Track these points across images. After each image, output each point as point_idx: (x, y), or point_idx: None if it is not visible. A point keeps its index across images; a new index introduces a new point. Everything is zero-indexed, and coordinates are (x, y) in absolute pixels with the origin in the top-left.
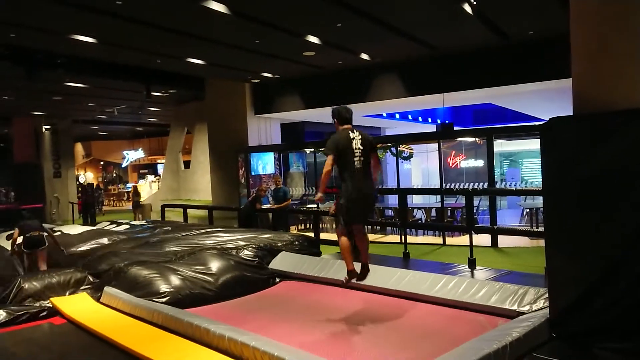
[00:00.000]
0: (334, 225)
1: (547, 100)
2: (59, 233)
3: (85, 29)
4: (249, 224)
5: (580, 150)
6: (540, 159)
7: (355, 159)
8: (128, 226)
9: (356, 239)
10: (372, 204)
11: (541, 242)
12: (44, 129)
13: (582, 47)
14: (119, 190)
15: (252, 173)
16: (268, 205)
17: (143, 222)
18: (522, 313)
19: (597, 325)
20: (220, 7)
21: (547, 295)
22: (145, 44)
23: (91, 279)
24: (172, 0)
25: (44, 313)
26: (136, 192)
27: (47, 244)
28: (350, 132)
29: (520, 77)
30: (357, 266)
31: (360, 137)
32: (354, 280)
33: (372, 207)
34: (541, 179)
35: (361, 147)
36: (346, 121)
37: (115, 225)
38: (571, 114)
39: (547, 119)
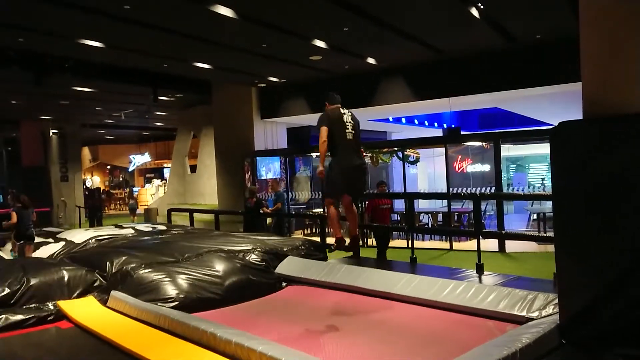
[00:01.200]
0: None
1: (555, 104)
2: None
3: (93, 34)
4: (255, 227)
5: (590, 155)
6: (547, 164)
7: (347, 131)
8: (133, 230)
9: (345, 210)
10: (363, 175)
11: (549, 247)
12: (51, 133)
13: (593, 50)
14: (125, 195)
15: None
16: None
17: (148, 226)
18: (532, 319)
19: (608, 331)
20: (227, 12)
21: (556, 300)
22: (152, 48)
23: (100, 280)
24: (180, 5)
25: (51, 317)
26: (131, 196)
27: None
28: (340, 109)
29: (527, 81)
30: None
31: (349, 113)
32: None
33: (363, 179)
34: (549, 184)
35: (351, 122)
36: (336, 101)
37: (118, 228)
38: (580, 117)
39: (555, 124)
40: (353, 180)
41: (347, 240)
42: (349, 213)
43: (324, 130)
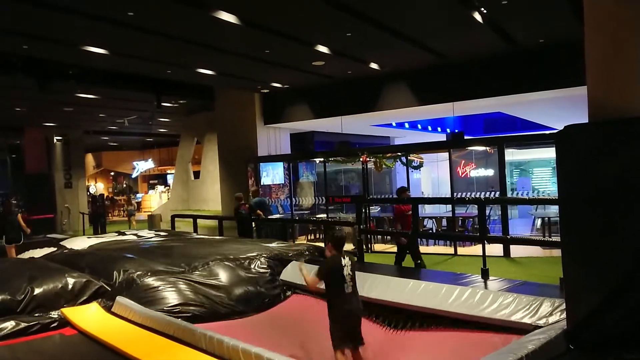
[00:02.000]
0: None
1: (558, 108)
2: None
3: (96, 40)
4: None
5: (596, 158)
6: (550, 168)
7: (346, 284)
8: (135, 237)
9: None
10: (360, 323)
11: (554, 252)
12: (55, 140)
13: (597, 53)
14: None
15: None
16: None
17: (151, 233)
18: (538, 326)
19: (616, 337)
20: (230, 18)
21: (563, 306)
22: (156, 54)
23: (105, 288)
24: (183, 11)
25: (55, 324)
26: (129, 202)
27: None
28: (342, 258)
29: (530, 85)
30: None
31: (350, 263)
32: None
33: (359, 326)
34: (553, 188)
35: (350, 273)
36: (340, 247)
37: (121, 235)
38: (584, 121)
39: (559, 128)
40: (352, 328)
41: None
42: None
43: (316, 280)
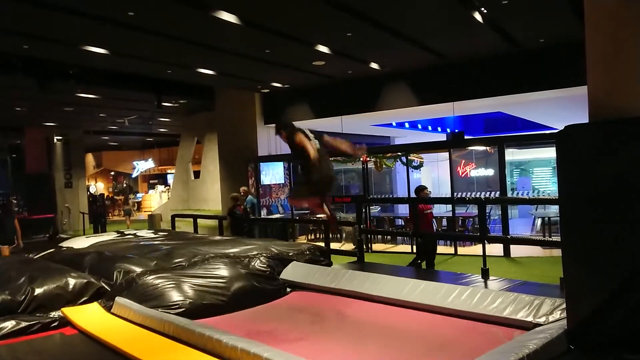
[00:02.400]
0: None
1: (559, 108)
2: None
3: (97, 40)
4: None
5: (597, 158)
6: (551, 168)
7: (312, 140)
8: (134, 237)
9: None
10: (331, 182)
11: (554, 252)
12: (55, 140)
13: (598, 53)
14: (129, 201)
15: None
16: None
17: (151, 233)
18: (539, 324)
19: (617, 337)
20: (230, 17)
21: (563, 306)
22: (156, 54)
23: (105, 287)
24: (183, 11)
25: (55, 323)
26: (126, 201)
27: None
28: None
29: (531, 85)
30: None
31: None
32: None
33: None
34: (553, 188)
35: (312, 134)
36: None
37: (120, 235)
38: (582, 122)
39: (559, 128)
40: (322, 186)
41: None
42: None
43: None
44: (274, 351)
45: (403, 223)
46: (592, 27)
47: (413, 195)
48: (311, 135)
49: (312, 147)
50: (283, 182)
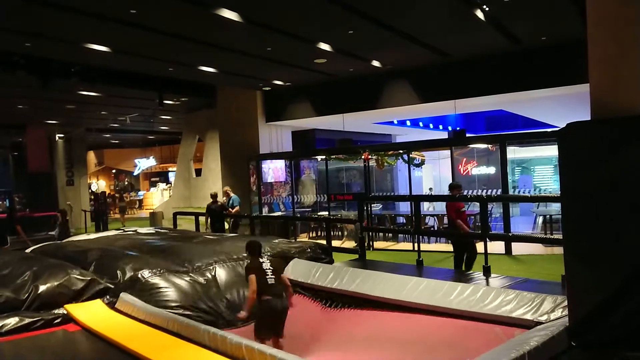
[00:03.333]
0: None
1: (560, 106)
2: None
3: (99, 38)
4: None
5: (599, 156)
6: (552, 166)
7: (268, 277)
8: (137, 235)
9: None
10: (285, 314)
11: (556, 250)
12: (57, 138)
13: (600, 51)
14: (130, 198)
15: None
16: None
17: (151, 230)
18: (540, 322)
19: (618, 334)
20: (232, 15)
21: (565, 303)
22: (158, 52)
23: (108, 285)
24: (185, 9)
25: (59, 320)
26: (122, 199)
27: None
28: (259, 259)
29: (533, 83)
30: None
31: (268, 261)
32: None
33: (285, 317)
34: (555, 186)
35: (271, 268)
36: (257, 254)
37: (122, 232)
38: (583, 120)
39: (560, 125)
40: (276, 321)
41: None
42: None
43: (252, 278)
44: (277, 350)
45: (404, 221)
46: (594, 26)
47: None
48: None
49: (252, 289)
50: (284, 179)
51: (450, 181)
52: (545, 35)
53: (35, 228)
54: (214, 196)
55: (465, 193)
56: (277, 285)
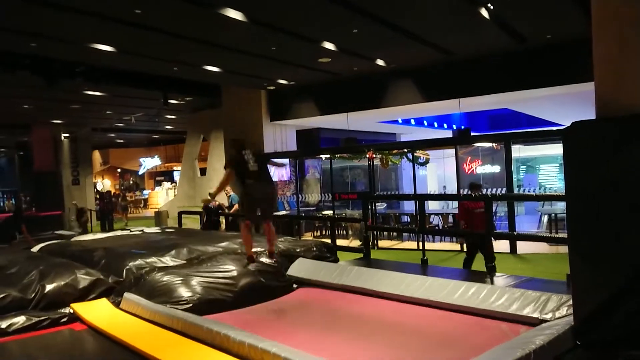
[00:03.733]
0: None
1: (565, 105)
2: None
3: (104, 38)
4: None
5: (604, 154)
6: (557, 164)
7: (250, 165)
8: (142, 234)
9: (265, 230)
10: (273, 199)
11: (561, 249)
12: (62, 137)
13: (605, 49)
14: (136, 197)
15: None
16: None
17: (157, 230)
18: (545, 321)
19: (623, 333)
20: (237, 15)
21: (570, 302)
22: (162, 52)
23: (114, 284)
24: (190, 9)
25: (65, 319)
26: (124, 197)
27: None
28: (242, 152)
29: (537, 81)
30: None
31: (250, 152)
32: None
33: (274, 202)
34: (559, 184)
35: (253, 157)
36: (237, 146)
37: (128, 232)
38: (588, 119)
39: (565, 124)
40: (265, 204)
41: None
42: (267, 233)
43: (228, 172)
44: (281, 346)
45: (409, 220)
46: (599, 24)
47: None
48: (250, 158)
49: (224, 179)
50: (289, 178)
51: (455, 180)
52: (550, 34)
53: (41, 227)
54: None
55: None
56: (261, 172)
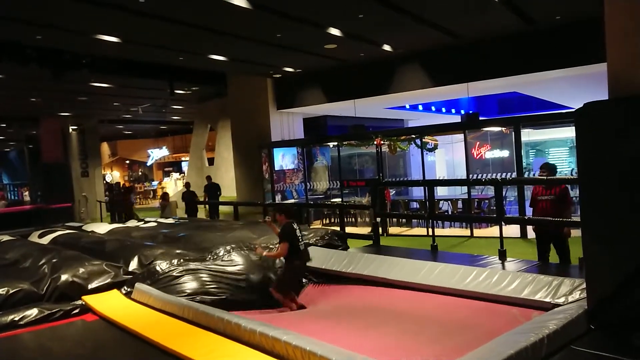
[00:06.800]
0: (276, 289)
1: (576, 87)
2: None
3: (109, 28)
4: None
5: (617, 135)
6: (567, 148)
7: (300, 243)
8: (156, 224)
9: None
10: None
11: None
12: (70, 129)
13: (618, 28)
14: (145, 189)
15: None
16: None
17: (170, 220)
18: (558, 305)
19: (637, 316)
20: (241, 2)
21: (583, 286)
22: (168, 41)
23: (125, 276)
24: None
25: (77, 310)
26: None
27: None
28: (293, 224)
29: (547, 63)
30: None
31: (298, 227)
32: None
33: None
34: (570, 168)
35: (300, 235)
36: (291, 216)
37: (142, 222)
38: (601, 100)
39: (576, 107)
40: (300, 278)
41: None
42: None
43: (285, 246)
44: (291, 334)
45: (418, 206)
46: (611, 2)
47: (425, 177)
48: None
49: (281, 253)
50: (297, 167)
51: (464, 165)
52: (559, 15)
53: (51, 219)
54: (187, 185)
55: (479, 176)
56: (305, 251)
